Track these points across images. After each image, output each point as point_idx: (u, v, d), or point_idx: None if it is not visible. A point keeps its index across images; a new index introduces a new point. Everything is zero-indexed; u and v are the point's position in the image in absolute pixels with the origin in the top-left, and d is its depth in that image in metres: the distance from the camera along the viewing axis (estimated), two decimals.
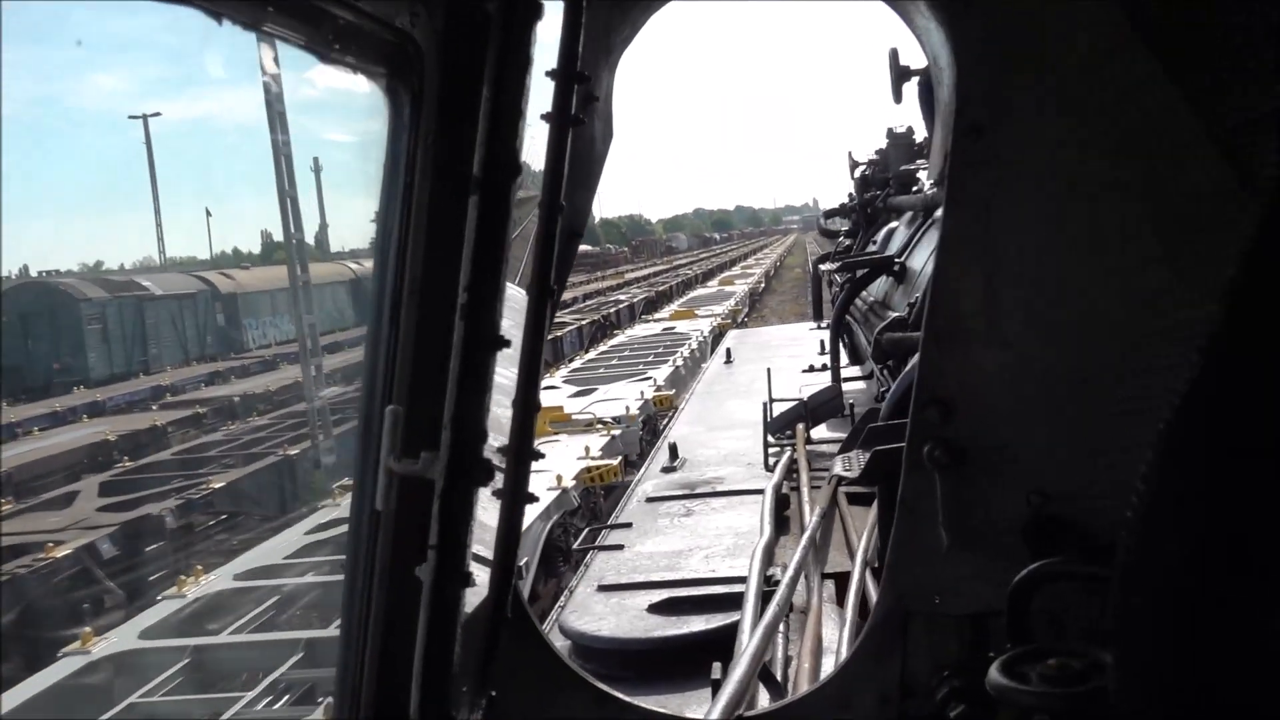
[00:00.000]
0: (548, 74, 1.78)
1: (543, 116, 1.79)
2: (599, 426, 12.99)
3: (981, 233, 2.12)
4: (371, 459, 1.94)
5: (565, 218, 1.89)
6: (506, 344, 1.66)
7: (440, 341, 1.86)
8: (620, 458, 11.83)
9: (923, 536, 2.27)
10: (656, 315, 33.45)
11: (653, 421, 15.07)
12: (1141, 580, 1.13)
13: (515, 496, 1.85)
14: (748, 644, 3.36)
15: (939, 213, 6.08)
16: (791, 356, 12.16)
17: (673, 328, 27.23)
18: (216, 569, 10.50)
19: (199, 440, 22.85)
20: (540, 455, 1.95)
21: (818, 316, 15.55)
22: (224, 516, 17.31)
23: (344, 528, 10.66)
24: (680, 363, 20.10)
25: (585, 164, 2.51)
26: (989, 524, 2.20)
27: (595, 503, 10.87)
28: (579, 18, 1.76)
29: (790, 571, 4.06)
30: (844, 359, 10.10)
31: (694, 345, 22.54)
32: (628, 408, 13.87)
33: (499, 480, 1.83)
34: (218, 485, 17.25)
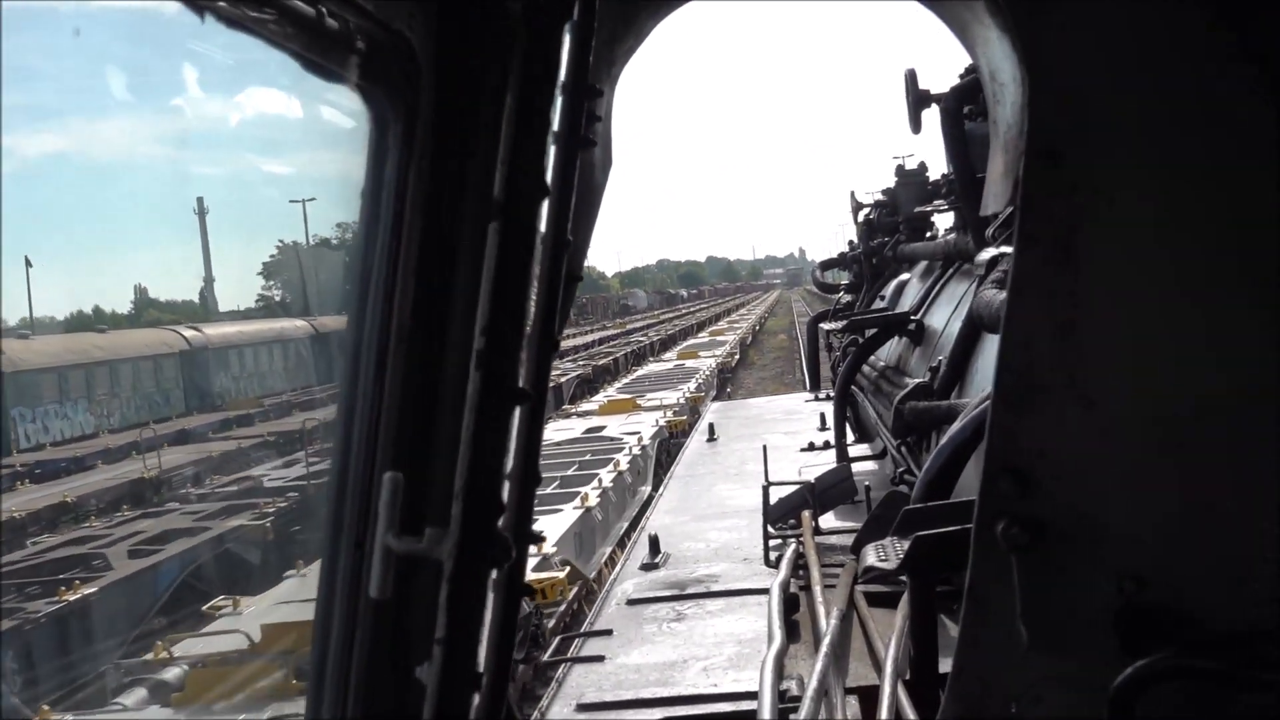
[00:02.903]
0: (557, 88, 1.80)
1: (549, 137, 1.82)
2: None
3: (1061, 272, 2.15)
4: (348, 535, 1.93)
5: (568, 257, 1.91)
6: (530, 398, 1.67)
7: (438, 394, 1.87)
8: None
9: (995, 633, 2.27)
10: (584, 406, 28.54)
11: (531, 624, 10.75)
12: None
13: (512, 586, 1.84)
14: None
15: (982, 257, 6.19)
16: (787, 433, 12.21)
17: (601, 429, 22.44)
18: None
19: None
20: (541, 538, 1.95)
21: (814, 386, 15.66)
22: None
23: None
24: (595, 500, 15.56)
25: (585, 195, 2.54)
26: (1077, 615, 2.22)
27: None
28: (591, 23, 1.79)
29: (813, 686, 4.05)
30: (849, 435, 10.16)
31: (624, 465, 18.10)
32: None
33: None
34: None
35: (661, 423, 22.65)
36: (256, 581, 16.86)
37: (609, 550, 14.93)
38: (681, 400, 26.48)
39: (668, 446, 20.66)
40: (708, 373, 35.07)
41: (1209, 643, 2.07)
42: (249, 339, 45.81)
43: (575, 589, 12.61)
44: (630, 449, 19.36)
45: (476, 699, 1.74)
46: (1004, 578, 2.24)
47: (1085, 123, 2.14)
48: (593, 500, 15.62)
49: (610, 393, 31.68)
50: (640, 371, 39.99)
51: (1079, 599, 2.22)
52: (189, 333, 43.30)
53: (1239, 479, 2.11)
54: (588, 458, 19.08)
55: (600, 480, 16.71)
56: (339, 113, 2.10)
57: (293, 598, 13.55)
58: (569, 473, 17.74)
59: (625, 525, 16.04)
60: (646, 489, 17.59)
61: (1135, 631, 2.17)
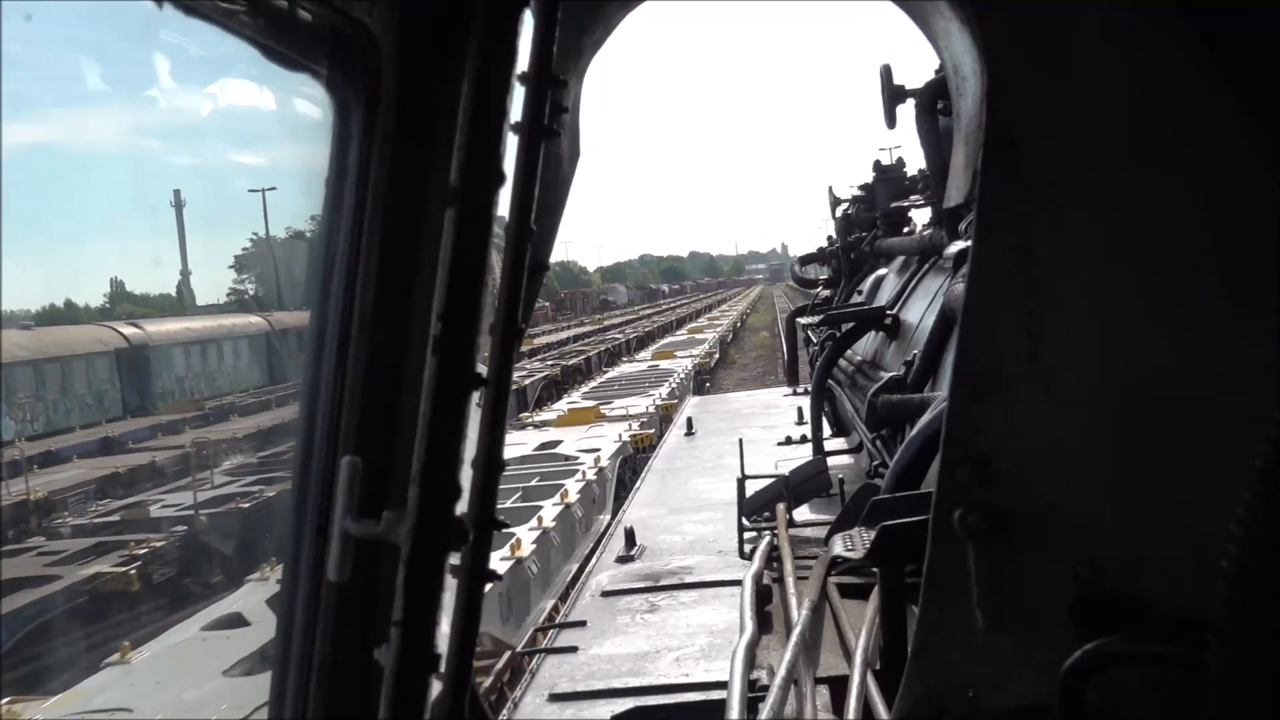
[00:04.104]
0: (518, 78, 1.82)
1: (512, 127, 1.83)
2: None
3: (1020, 262, 2.18)
4: (310, 521, 1.95)
5: (532, 247, 1.93)
6: (487, 384, 1.69)
7: (398, 380, 1.89)
8: None
9: (954, 620, 2.31)
10: (542, 415, 24.80)
11: None
12: (1246, 650, 1.17)
13: (474, 573, 1.86)
14: None
15: (951, 250, 6.21)
16: (765, 427, 12.29)
17: (555, 444, 19.43)
18: None
19: None
20: (504, 524, 1.97)
21: (793, 380, 15.73)
22: None
23: None
24: (530, 548, 12.51)
25: (551, 186, 2.56)
26: (1033, 601, 2.25)
27: None
28: (555, 12, 1.81)
29: (781, 675, 4.08)
30: (826, 429, 10.22)
31: (574, 494, 14.87)
32: None
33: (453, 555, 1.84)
34: None
35: (625, 437, 19.57)
36: (79, 663, 12.56)
37: (549, 605, 11.65)
38: (650, 409, 23.22)
39: (633, 463, 18.01)
40: (683, 375, 31.70)
41: (1159, 628, 2.10)
42: (197, 336, 42.12)
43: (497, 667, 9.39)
44: (585, 472, 16.27)
45: (436, 681, 1.76)
46: (961, 565, 2.27)
47: (1042, 113, 2.17)
48: (527, 548, 12.63)
49: (574, 398, 28.26)
50: (611, 373, 36.07)
51: (1035, 586, 2.25)
52: (128, 329, 38.69)
53: (1194, 468, 2.14)
54: (534, 483, 16.07)
55: (541, 519, 13.57)
56: (308, 103, 2.11)
57: (91, 704, 10.13)
58: (507, 504, 14.59)
59: (573, 568, 12.81)
60: (604, 518, 14.68)
61: (1090, 617, 2.20)
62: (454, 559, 1.82)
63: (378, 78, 1.90)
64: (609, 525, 9.67)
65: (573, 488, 15.41)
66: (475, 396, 1.81)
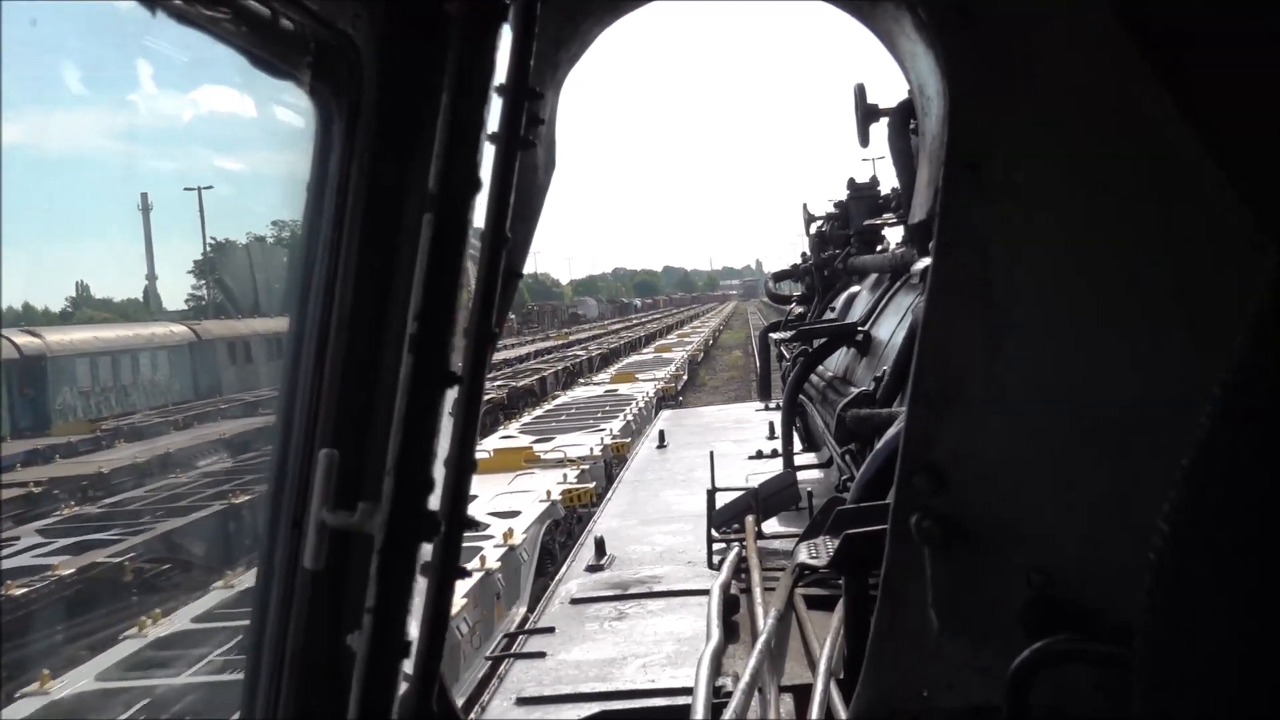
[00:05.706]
0: (496, 90, 1.89)
1: (489, 137, 1.90)
2: None
3: (978, 279, 2.26)
4: (286, 512, 2.01)
5: (507, 253, 2.00)
6: (459, 381, 1.76)
7: (375, 378, 1.96)
8: None
9: (909, 622, 2.38)
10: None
11: None
12: (1166, 660, 1.24)
13: (445, 569, 1.92)
14: None
15: (918, 267, 6.30)
16: (736, 441, 12.38)
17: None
18: None
19: None
20: (475, 524, 2.03)
21: (765, 395, 15.81)
22: None
23: None
24: None
25: (526, 195, 2.63)
26: (986, 606, 2.32)
27: None
28: (532, 27, 1.88)
29: (745, 682, 4.14)
30: (797, 444, 10.31)
31: (461, 594, 9.07)
32: None
33: (425, 551, 1.91)
34: None
35: (556, 494, 14.80)
36: None
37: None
38: (596, 450, 18.64)
39: (567, 526, 14.29)
40: (643, 404, 26.61)
41: (1103, 630, 2.18)
42: (107, 347, 37.73)
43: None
44: (485, 557, 10.66)
45: (407, 667, 1.82)
46: (918, 570, 2.34)
47: (1002, 135, 2.25)
48: None
49: (510, 431, 23.04)
50: (561, 399, 30.77)
51: (988, 590, 2.32)
52: (22, 339, 34.13)
53: (1142, 479, 2.21)
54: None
55: None
56: (283, 109, 2.17)
57: None
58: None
59: (470, 690, 8.40)
60: (519, 611, 10.95)
61: (1039, 621, 2.27)
62: (425, 555, 1.89)
63: (359, 88, 1.96)
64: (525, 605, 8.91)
65: (462, 585, 9.19)
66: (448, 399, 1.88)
